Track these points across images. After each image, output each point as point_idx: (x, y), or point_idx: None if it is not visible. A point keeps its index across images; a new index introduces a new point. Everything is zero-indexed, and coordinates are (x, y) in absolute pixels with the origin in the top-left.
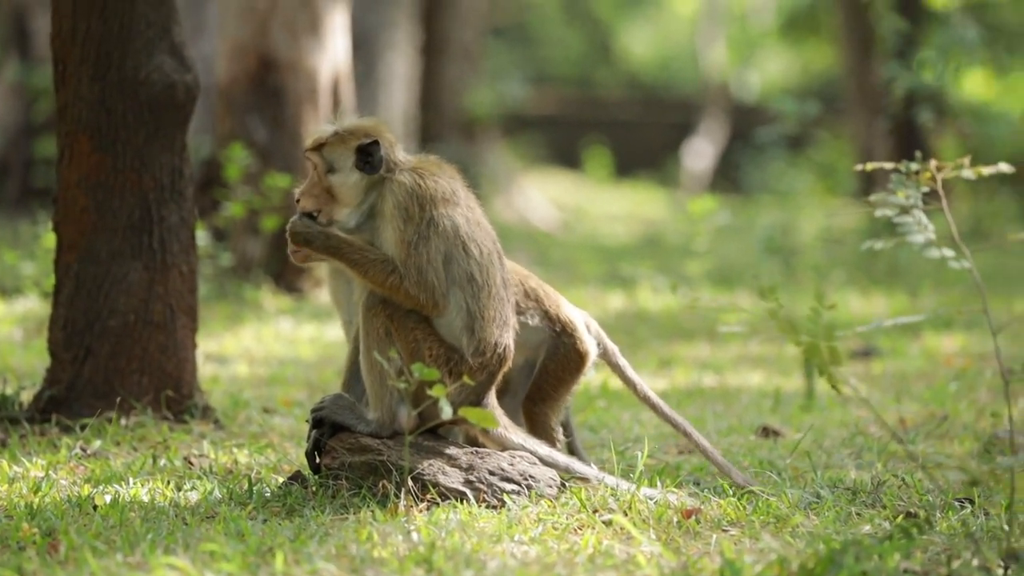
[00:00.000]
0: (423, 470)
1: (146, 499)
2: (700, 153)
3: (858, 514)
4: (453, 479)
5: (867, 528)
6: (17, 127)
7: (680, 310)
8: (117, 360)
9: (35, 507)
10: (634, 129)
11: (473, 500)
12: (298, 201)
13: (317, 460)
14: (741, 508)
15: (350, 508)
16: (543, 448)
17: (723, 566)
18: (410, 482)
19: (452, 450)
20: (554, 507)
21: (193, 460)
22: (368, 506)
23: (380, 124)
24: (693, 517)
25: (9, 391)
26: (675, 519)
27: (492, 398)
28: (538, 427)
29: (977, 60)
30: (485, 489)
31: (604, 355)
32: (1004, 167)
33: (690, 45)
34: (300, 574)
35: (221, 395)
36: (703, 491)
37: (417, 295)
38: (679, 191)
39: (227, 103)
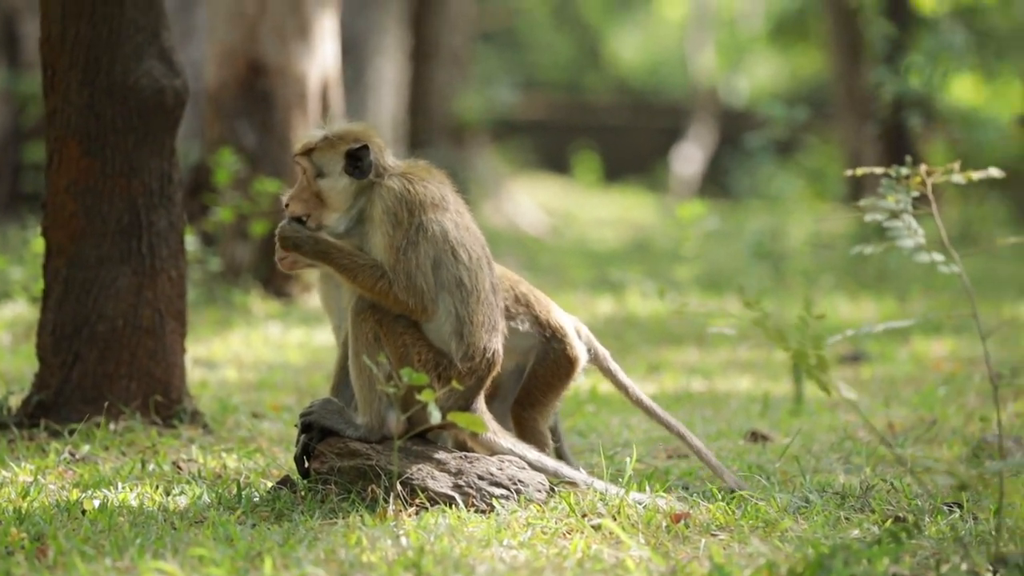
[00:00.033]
0: (412, 474)
1: (135, 504)
2: (689, 158)
3: (847, 518)
4: (442, 483)
5: (856, 532)
6: (6, 132)
7: (669, 315)
8: (106, 365)
9: (24, 512)
10: (623, 134)
11: (462, 504)
12: (287, 206)
13: (306, 465)
14: (730, 512)
15: (339, 513)
16: (532, 452)
17: (712, 570)
18: (399, 486)
19: (441, 455)
20: (543, 511)
21: (182, 465)
22: (357, 511)
23: (369, 129)
24: (682, 521)
25: None
26: (664, 523)
27: (481, 403)
28: (527, 432)
29: (965, 65)
30: (474, 493)
31: (595, 360)
32: (994, 172)
33: (679, 50)
34: None
35: (210, 400)
36: (692, 495)
37: (406, 300)
38: (668, 196)
39: (216, 108)
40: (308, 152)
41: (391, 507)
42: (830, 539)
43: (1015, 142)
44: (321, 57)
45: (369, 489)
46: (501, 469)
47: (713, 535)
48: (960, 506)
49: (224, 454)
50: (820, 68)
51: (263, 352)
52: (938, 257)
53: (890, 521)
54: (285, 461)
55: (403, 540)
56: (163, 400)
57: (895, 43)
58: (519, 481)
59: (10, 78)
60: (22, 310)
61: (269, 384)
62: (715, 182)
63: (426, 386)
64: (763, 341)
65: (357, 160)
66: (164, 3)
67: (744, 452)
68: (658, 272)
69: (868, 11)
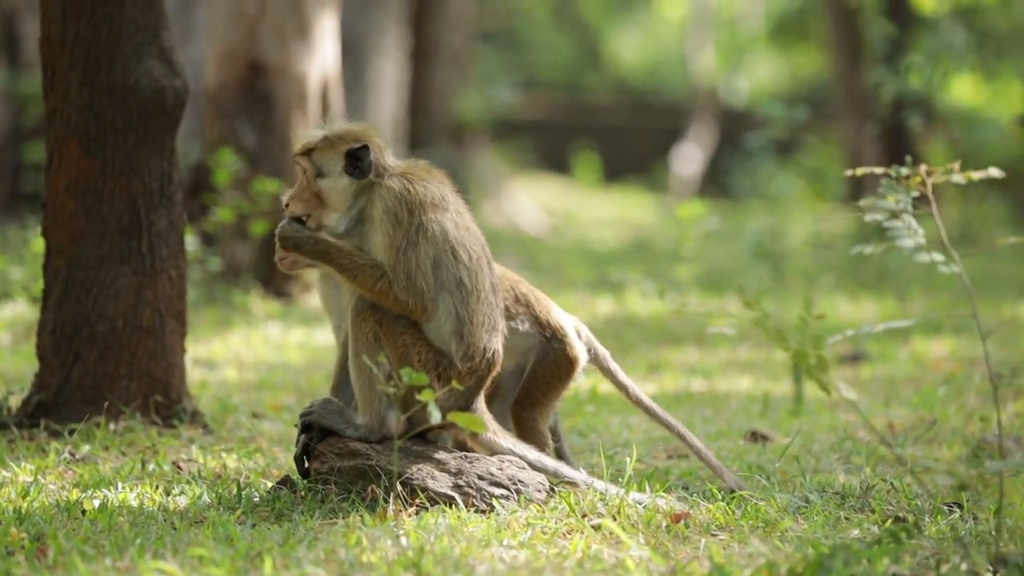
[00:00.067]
0: (412, 475)
1: (135, 504)
2: (689, 158)
3: (847, 518)
4: (442, 483)
5: (856, 532)
6: (6, 132)
7: (669, 315)
8: (106, 365)
9: (24, 512)
10: (623, 134)
11: (462, 504)
12: (287, 206)
13: (306, 465)
14: (730, 512)
15: (339, 513)
16: (532, 452)
17: (712, 570)
18: (399, 487)
19: (441, 455)
20: (543, 511)
21: (182, 465)
22: (357, 511)
23: (369, 129)
24: (682, 521)
25: None
26: (664, 523)
27: (481, 403)
28: (527, 432)
29: (965, 65)
30: (474, 493)
31: (595, 360)
32: (994, 172)
33: (679, 50)
34: None
35: (210, 400)
36: (692, 495)
37: (406, 300)
38: (668, 196)
39: (216, 108)
40: (308, 152)
41: (391, 507)
42: (830, 539)
43: (1015, 142)
44: (321, 57)
45: (369, 489)
46: (501, 469)
47: (713, 535)
48: (960, 506)
49: (224, 454)
50: (820, 68)
51: (263, 352)
52: (938, 257)
53: (890, 521)
54: (285, 461)
55: (403, 540)
56: (163, 400)
57: (895, 43)
58: (519, 481)
59: (10, 78)
60: (22, 310)
61: (269, 384)
62: (715, 182)
63: (426, 386)
64: (763, 341)
65: (357, 160)
66: (164, 3)
67: (744, 452)
68: (658, 272)
69: (868, 11)
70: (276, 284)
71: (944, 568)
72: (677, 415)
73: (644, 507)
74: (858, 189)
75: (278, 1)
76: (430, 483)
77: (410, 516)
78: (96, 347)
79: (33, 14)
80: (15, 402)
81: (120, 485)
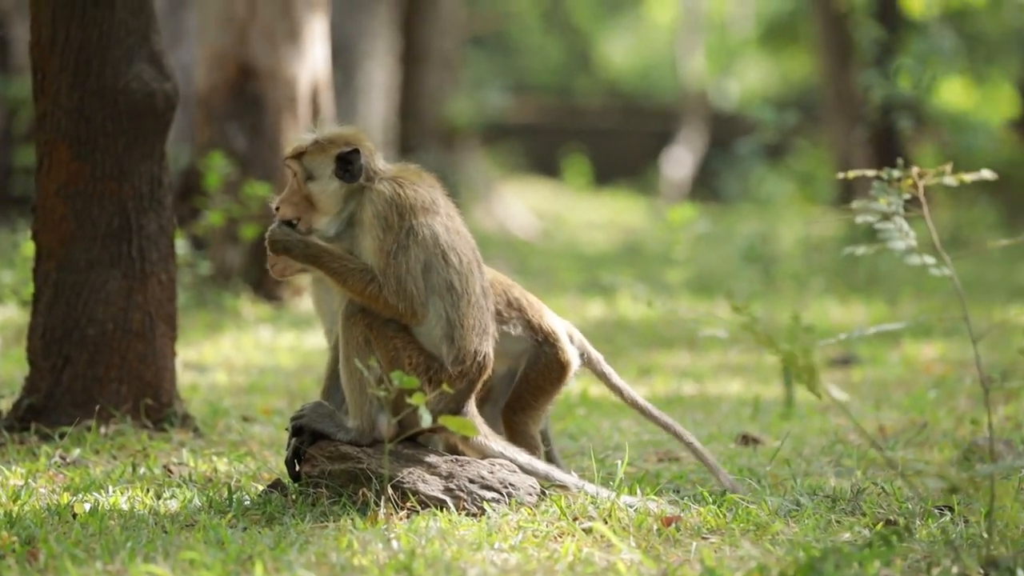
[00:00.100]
0: (403, 478)
1: (126, 507)
2: (679, 161)
3: (838, 522)
4: (433, 487)
5: (847, 536)
6: None
7: (660, 318)
8: (96, 368)
9: (14, 515)
10: (613, 137)
11: (453, 508)
12: (277, 209)
13: (297, 468)
14: (721, 516)
15: (330, 516)
16: (523, 456)
17: (703, 573)
18: (390, 490)
19: (432, 458)
20: (534, 515)
21: (173, 468)
22: (348, 514)
23: (360, 133)
24: (673, 525)
25: None
26: (655, 527)
27: (472, 406)
28: (517, 435)
29: (955, 69)
30: (465, 497)
31: (589, 364)
32: (986, 174)
33: (669, 54)
34: None
35: (200, 403)
36: (683, 499)
37: (396, 304)
38: (659, 199)
39: (206, 111)
40: (299, 155)
41: (382, 510)
42: (821, 542)
43: (1005, 146)
44: (311, 61)
45: (360, 492)
46: (492, 472)
47: (704, 538)
48: (951, 509)
49: (215, 458)
50: (810, 71)
51: (253, 356)
52: (929, 260)
53: (881, 524)
54: (276, 465)
55: (394, 543)
56: (153, 404)
57: (885, 46)
58: (510, 484)
59: (1, 82)
60: (12, 314)
61: (260, 388)
62: (705, 185)
63: (417, 389)
64: (754, 345)
65: (347, 164)
66: (154, 6)
67: (735, 455)
68: (649, 275)
69: (858, 14)
70: (266, 288)
71: (935, 571)
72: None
73: (635, 510)
74: (848, 192)
75: (268, 4)
76: (421, 486)
77: (401, 519)
78: (86, 351)
79: (23, 17)
80: (5, 406)
81: (111, 489)
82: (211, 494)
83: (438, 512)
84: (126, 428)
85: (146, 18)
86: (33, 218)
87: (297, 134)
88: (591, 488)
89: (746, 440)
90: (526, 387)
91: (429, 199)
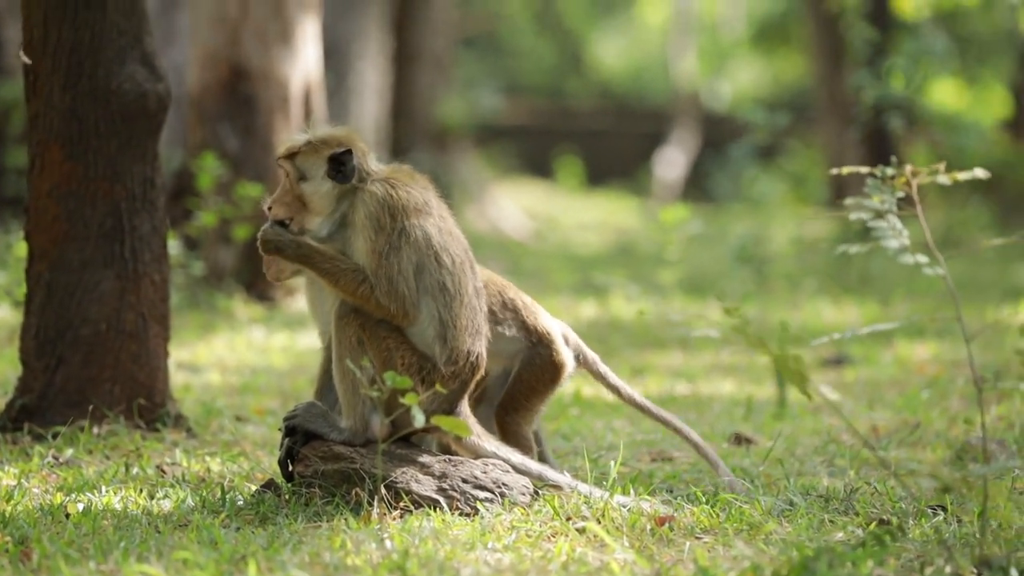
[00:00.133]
0: (396, 478)
1: (119, 507)
2: (672, 162)
3: (831, 521)
4: (426, 487)
5: (840, 535)
6: None
7: (652, 319)
8: (89, 369)
9: (7, 516)
10: (606, 138)
11: (446, 508)
12: (270, 209)
13: (290, 468)
14: (714, 515)
15: (323, 516)
16: (516, 456)
17: (696, 573)
18: (383, 490)
19: (425, 458)
20: (527, 515)
21: (166, 468)
22: (341, 514)
23: (353, 133)
24: (666, 524)
25: None
26: (648, 526)
27: (465, 406)
28: (510, 436)
29: (947, 70)
30: (458, 497)
31: (586, 365)
32: (979, 172)
33: (661, 55)
34: None
35: (193, 404)
36: (676, 498)
37: (387, 305)
38: (651, 200)
39: (199, 112)
40: (291, 156)
41: (375, 510)
42: (814, 542)
43: (997, 147)
44: (303, 61)
45: (353, 492)
46: (485, 472)
47: (697, 538)
48: (944, 509)
49: (208, 458)
50: (802, 72)
51: (246, 356)
52: (922, 259)
53: (874, 524)
54: (269, 465)
55: (387, 543)
56: (147, 404)
57: (877, 47)
58: (503, 484)
59: None
60: (5, 314)
61: (253, 388)
62: (698, 186)
63: (410, 389)
64: (746, 345)
65: (340, 164)
66: (146, 7)
67: (728, 455)
68: (641, 276)
69: (850, 15)
70: (259, 288)
71: (928, 571)
72: None
73: (628, 510)
74: (840, 193)
75: (260, 5)
76: (414, 486)
77: (394, 519)
78: (79, 351)
79: (15, 18)
80: None
81: (104, 489)
82: (204, 494)
83: (431, 512)
84: (119, 428)
85: (138, 19)
86: (26, 219)
87: (289, 135)
88: (584, 488)
89: (739, 440)
90: (519, 388)
91: (422, 200)
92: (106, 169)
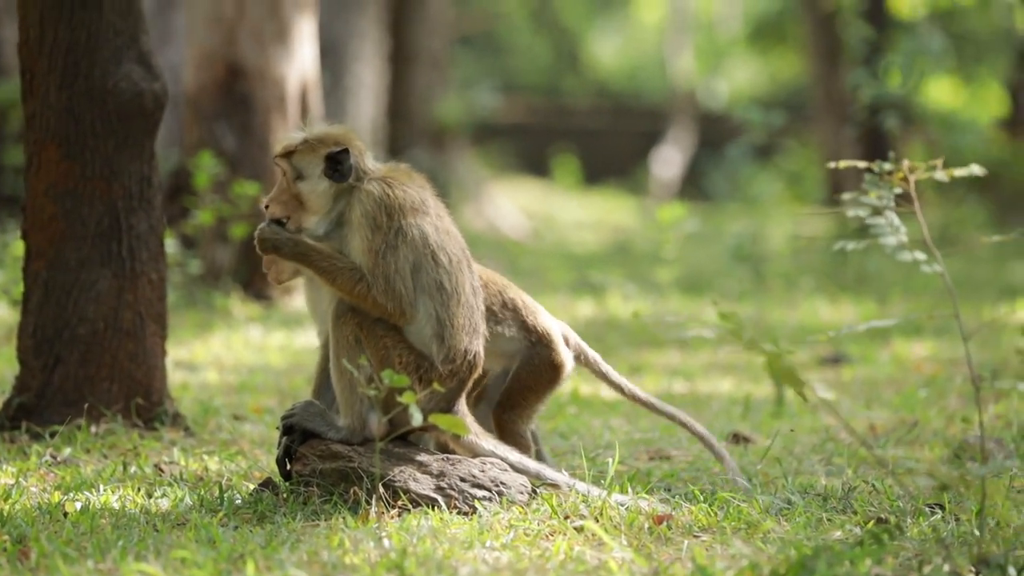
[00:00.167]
0: (394, 477)
1: (117, 506)
2: (668, 161)
3: (829, 520)
4: (424, 485)
5: (838, 534)
6: None
7: (650, 318)
8: (87, 367)
9: (5, 514)
10: (602, 137)
11: (444, 506)
12: (267, 208)
13: (288, 467)
14: (712, 514)
15: (321, 515)
16: (514, 455)
17: (694, 572)
18: (381, 489)
19: (423, 457)
20: (525, 513)
21: (164, 467)
22: (339, 513)
23: (350, 132)
24: (664, 523)
25: None
26: (646, 525)
27: (462, 405)
28: (507, 434)
29: (943, 68)
30: (456, 495)
31: (587, 364)
32: (976, 169)
33: (658, 54)
34: None
35: (191, 402)
36: (674, 497)
37: (384, 304)
38: (648, 199)
39: (195, 111)
40: (288, 154)
41: (373, 509)
42: (812, 540)
43: (993, 145)
44: (300, 60)
45: (351, 491)
46: (483, 471)
47: (695, 536)
48: (942, 507)
49: (206, 456)
50: (798, 71)
51: (244, 355)
52: (920, 256)
53: (872, 522)
54: (267, 463)
55: (385, 542)
56: (144, 403)
57: (873, 46)
58: (501, 483)
59: None
60: (3, 313)
61: (250, 386)
62: (694, 185)
63: (407, 388)
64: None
65: (337, 163)
66: (143, 7)
67: None
68: (638, 275)
69: (846, 14)
70: (256, 287)
71: (926, 569)
72: (659, 418)
73: (626, 509)
74: (837, 191)
75: (257, 4)
76: (412, 485)
77: (392, 518)
78: (77, 350)
79: (11, 18)
80: None
81: (102, 487)
82: (202, 493)
83: (429, 510)
84: (117, 427)
85: (134, 19)
86: (23, 218)
87: (286, 134)
88: (582, 486)
89: (737, 439)
90: (518, 387)
91: (418, 199)
92: (103, 168)
